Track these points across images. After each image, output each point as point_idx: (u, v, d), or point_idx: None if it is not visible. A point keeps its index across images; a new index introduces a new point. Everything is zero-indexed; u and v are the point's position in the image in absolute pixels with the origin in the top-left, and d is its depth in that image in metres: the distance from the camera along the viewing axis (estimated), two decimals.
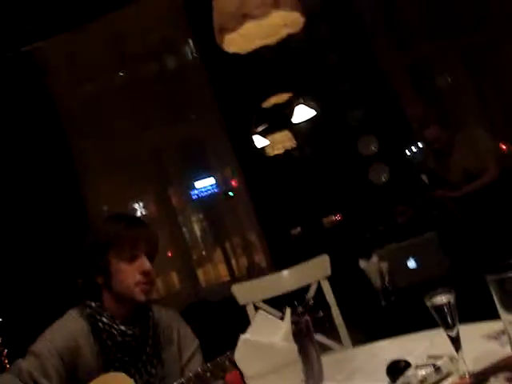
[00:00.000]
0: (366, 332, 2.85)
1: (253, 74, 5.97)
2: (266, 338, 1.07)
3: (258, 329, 1.13)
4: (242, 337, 1.05)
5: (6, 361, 4.73)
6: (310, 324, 1.23)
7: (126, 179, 6.41)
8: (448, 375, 1.41)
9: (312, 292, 2.67)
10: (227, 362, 1.19)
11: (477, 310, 2.01)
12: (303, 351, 1.20)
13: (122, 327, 2.12)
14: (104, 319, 2.12)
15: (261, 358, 1.05)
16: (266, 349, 1.04)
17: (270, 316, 1.17)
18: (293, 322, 1.21)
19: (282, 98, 5.99)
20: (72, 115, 6.19)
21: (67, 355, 2.02)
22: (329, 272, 2.69)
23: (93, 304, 2.14)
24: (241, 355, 1.08)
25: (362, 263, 4.20)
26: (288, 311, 1.14)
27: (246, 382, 1.08)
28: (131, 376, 2.08)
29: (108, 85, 6.51)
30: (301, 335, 1.22)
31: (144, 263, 2.14)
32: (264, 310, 2.65)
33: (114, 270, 2.14)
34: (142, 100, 6.33)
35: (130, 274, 2.12)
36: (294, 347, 1.08)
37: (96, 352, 2.09)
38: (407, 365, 1.49)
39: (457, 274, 4.36)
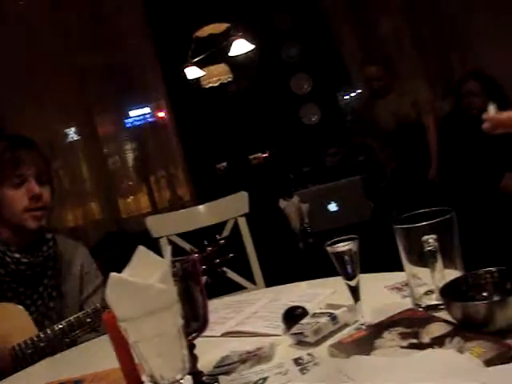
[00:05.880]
0: (281, 273, 2.81)
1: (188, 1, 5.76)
2: (140, 278, 0.96)
3: (135, 266, 1.02)
4: (112, 275, 0.93)
5: None
6: (198, 265, 1.13)
7: (51, 105, 6.02)
8: (344, 326, 1.34)
9: (228, 229, 2.63)
10: None
11: (393, 258, 1.97)
12: (186, 294, 1.10)
13: (17, 255, 2.03)
14: None
15: (132, 299, 0.94)
16: (137, 290, 0.94)
17: (150, 253, 1.05)
18: (177, 262, 1.12)
19: (218, 28, 5.77)
20: None
21: None
22: (246, 209, 2.67)
23: None
24: (111, 295, 0.96)
25: (283, 203, 4.16)
26: (168, 249, 1.03)
27: (118, 324, 0.97)
28: (26, 308, 2.02)
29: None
30: (185, 276, 1.11)
31: (32, 187, 2.02)
32: (176, 243, 2.60)
33: (1, 196, 2.02)
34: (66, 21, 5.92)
35: (18, 199, 2.01)
36: (172, 289, 0.97)
37: None
38: (304, 312, 1.42)
39: (378, 220, 4.35)
